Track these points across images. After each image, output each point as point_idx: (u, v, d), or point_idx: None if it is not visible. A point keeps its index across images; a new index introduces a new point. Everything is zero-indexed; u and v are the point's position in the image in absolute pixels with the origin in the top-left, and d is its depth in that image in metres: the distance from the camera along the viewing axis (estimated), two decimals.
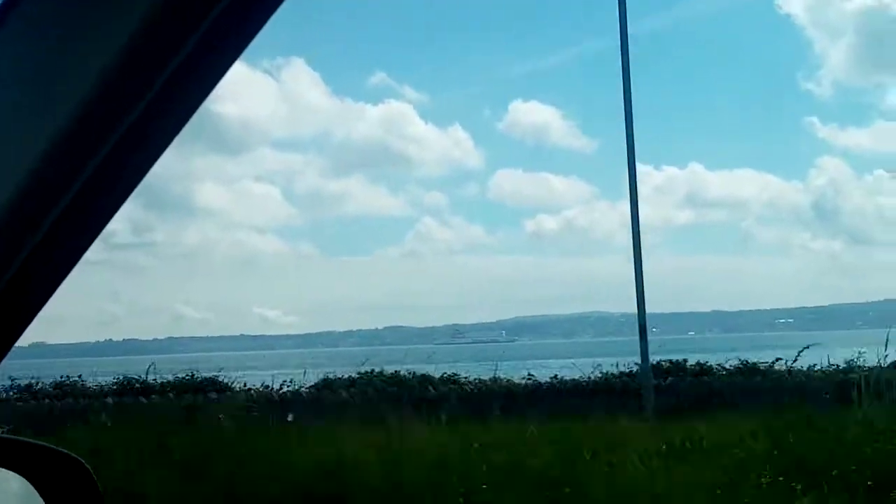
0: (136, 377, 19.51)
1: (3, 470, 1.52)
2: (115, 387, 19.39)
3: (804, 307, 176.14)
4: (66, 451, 1.55)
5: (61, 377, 19.84)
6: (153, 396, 18.83)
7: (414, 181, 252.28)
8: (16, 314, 1.13)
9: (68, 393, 19.36)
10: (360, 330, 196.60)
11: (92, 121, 1.01)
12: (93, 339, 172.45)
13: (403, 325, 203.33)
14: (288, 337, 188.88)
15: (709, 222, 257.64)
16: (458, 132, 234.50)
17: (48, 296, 1.14)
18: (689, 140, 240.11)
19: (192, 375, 19.36)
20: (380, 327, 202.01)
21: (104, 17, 0.99)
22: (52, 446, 1.54)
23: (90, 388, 19.66)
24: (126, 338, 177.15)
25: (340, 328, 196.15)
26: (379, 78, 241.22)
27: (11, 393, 19.73)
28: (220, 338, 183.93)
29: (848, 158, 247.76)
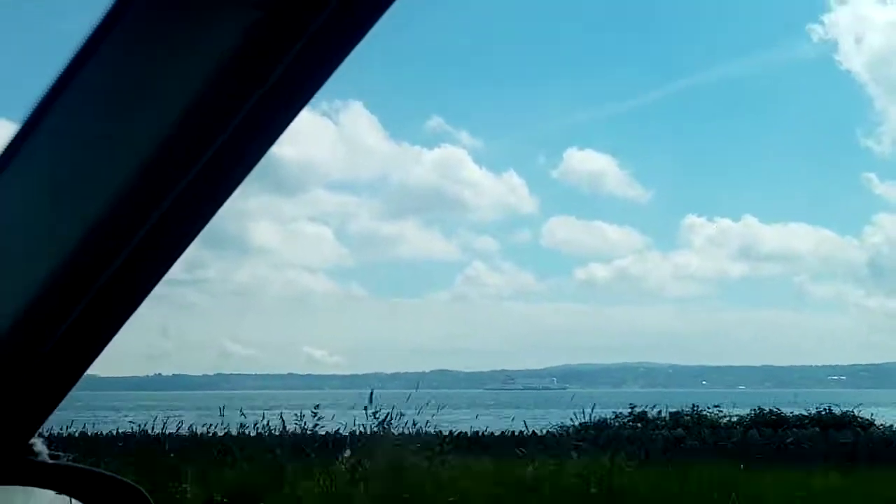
0: (770, 409, 19.37)
1: (66, 497, 1.51)
2: (747, 419, 19.22)
3: (857, 364, 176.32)
4: (128, 480, 1.53)
5: (694, 406, 19.63)
6: (794, 430, 18.66)
7: (466, 225, 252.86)
8: (87, 345, 1.24)
9: (683, 423, 19.13)
10: (406, 372, 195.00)
11: (167, 163, 1.09)
12: (142, 374, 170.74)
13: (450, 368, 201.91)
14: (335, 377, 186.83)
15: (762, 276, 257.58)
16: (513, 178, 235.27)
17: (118, 328, 1.23)
18: (744, 193, 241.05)
19: (830, 409, 19.21)
20: (426, 370, 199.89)
21: (169, 68, 1.06)
22: (115, 475, 1.53)
23: (709, 417, 19.44)
24: (175, 373, 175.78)
25: (388, 370, 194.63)
26: (436, 122, 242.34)
27: (627, 420, 19.59)
28: (269, 375, 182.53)
29: None
